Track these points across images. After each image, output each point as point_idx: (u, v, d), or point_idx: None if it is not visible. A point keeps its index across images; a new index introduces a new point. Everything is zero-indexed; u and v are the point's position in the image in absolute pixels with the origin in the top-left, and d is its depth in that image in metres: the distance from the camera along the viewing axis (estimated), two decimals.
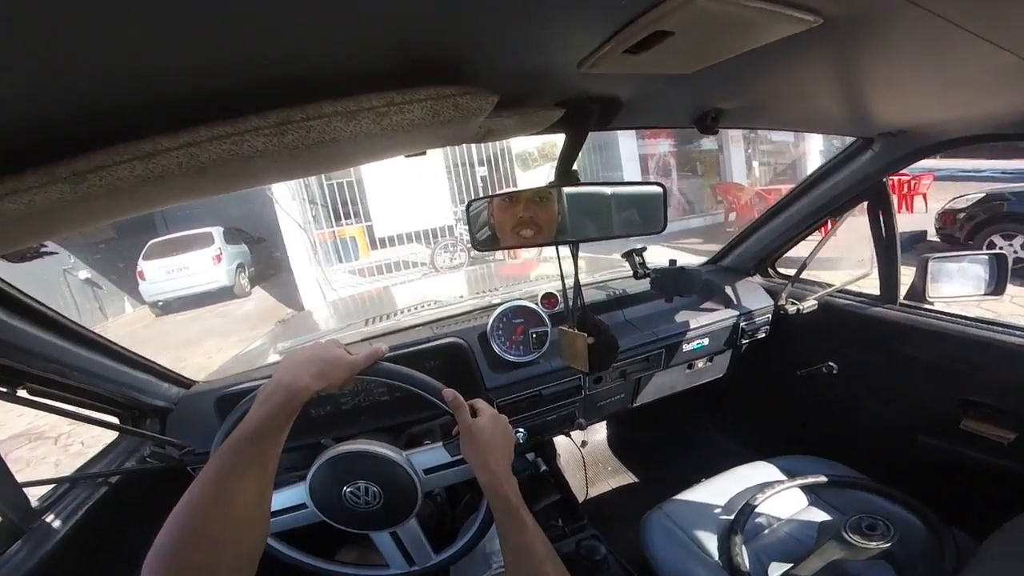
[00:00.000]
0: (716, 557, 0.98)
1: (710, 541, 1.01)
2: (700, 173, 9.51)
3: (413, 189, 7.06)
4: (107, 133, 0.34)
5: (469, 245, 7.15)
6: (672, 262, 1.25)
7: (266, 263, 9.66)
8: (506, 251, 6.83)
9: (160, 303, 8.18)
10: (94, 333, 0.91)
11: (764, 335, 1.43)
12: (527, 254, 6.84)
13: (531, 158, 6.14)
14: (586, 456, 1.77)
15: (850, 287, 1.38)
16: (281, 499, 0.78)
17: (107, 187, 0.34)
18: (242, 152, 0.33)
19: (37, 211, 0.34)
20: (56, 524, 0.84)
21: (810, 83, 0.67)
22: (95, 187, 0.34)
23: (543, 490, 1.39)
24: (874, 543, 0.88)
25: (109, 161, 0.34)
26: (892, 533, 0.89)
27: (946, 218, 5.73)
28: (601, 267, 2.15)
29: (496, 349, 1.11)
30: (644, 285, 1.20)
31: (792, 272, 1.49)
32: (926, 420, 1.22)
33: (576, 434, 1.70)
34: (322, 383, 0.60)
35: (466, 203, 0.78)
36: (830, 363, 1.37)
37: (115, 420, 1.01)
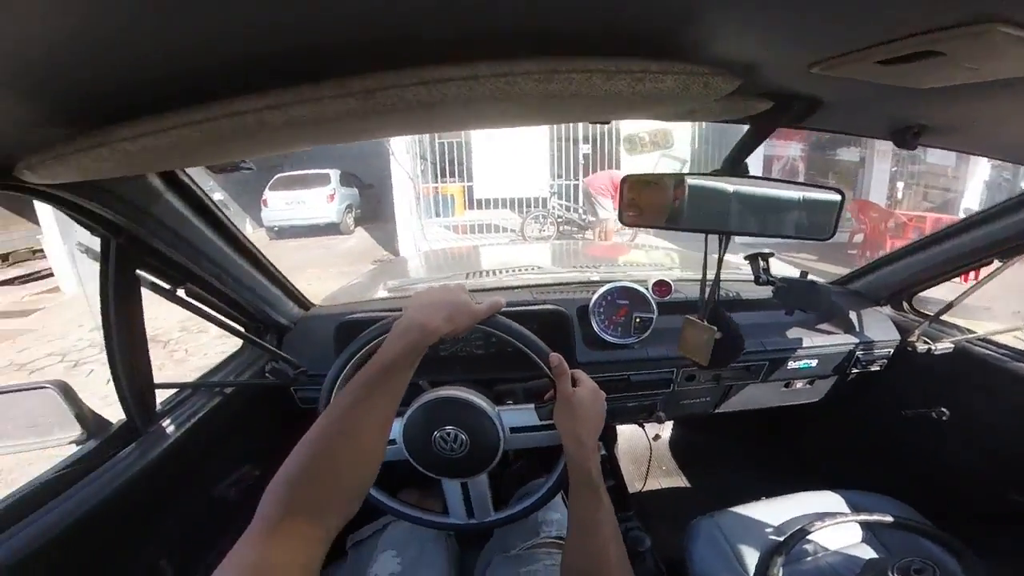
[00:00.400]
0: (751, 574, 0.94)
1: (751, 558, 0.97)
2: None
3: (515, 157, 7.17)
4: (317, 70, 0.36)
5: (559, 219, 7.22)
6: (803, 274, 1.19)
7: (371, 207, 10.41)
8: (598, 233, 6.78)
9: (275, 229, 9.19)
10: (251, 243, 0.99)
11: (879, 368, 1.31)
12: (618, 238, 6.73)
13: (640, 143, 5.87)
14: (637, 451, 1.76)
15: (994, 337, 1.21)
16: None
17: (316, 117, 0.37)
18: (505, 94, 0.36)
19: (244, 132, 0.38)
20: (170, 429, 0.87)
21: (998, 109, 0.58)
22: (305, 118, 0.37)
23: None
24: None
25: (319, 94, 0.36)
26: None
27: None
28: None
29: (594, 326, 1.12)
30: (761, 292, 1.14)
31: (929, 310, 1.33)
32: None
33: (649, 426, 1.68)
34: (450, 327, 0.62)
35: (621, 178, 0.78)
36: (942, 409, 1.23)
37: (242, 330, 1.06)
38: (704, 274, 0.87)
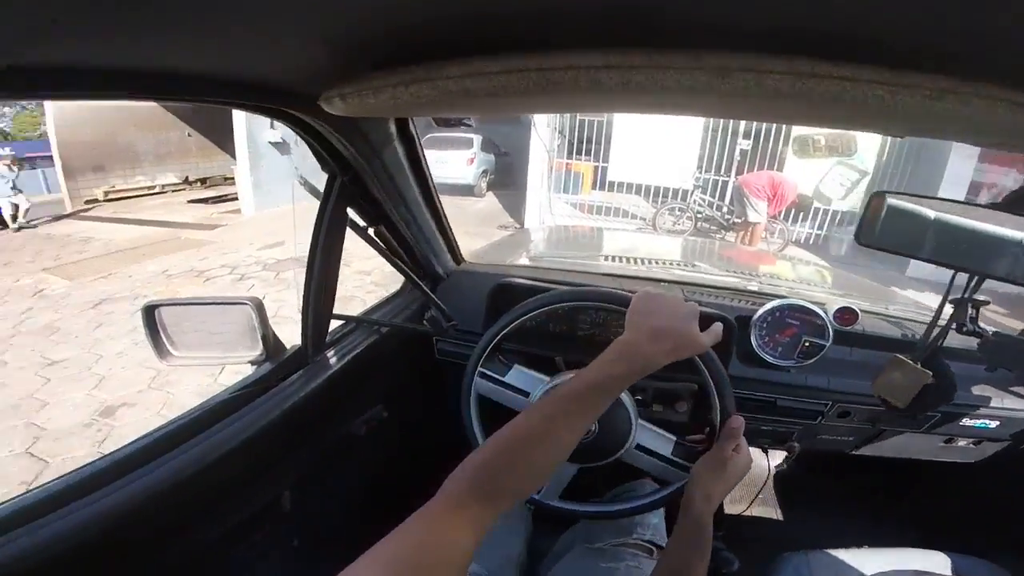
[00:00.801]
0: None
1: None
2: None
3: (661, 143, 6.74)
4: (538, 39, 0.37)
5: (698, 214, 6.74)
6: (1023, 332, 1.01)
7: (504, 175, 10.74)
8: (741, 236, 6.22)
9: None
10: (435, 188, 1.05)
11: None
12: (764, 245, 6.09)
13: (815, 146, 5.15)
14: (751, 473, 1.62)
15: None
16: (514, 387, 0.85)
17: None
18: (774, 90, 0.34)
19: (541, 88, 0.40)
20: (332, 360, 0.92)
21: None
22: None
23: None
24: None
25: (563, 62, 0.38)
26: None
27: None
28: (881, 298, 1.78)
29: (753, 341, 1.04)
30: (962, 341, 0.97)
31: None
32: None
33: (774, 454, 1.55)
34: (672, 359, 0.59)
35: (871, 192, 0.72)
36: None
37: (413, 275, 1.09)
38: (937, 315, 0.80)
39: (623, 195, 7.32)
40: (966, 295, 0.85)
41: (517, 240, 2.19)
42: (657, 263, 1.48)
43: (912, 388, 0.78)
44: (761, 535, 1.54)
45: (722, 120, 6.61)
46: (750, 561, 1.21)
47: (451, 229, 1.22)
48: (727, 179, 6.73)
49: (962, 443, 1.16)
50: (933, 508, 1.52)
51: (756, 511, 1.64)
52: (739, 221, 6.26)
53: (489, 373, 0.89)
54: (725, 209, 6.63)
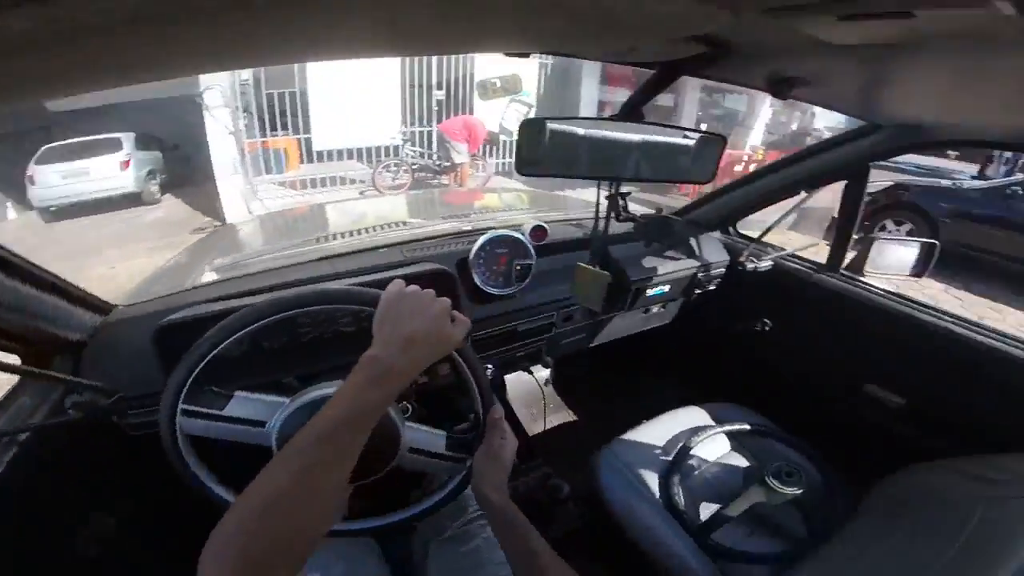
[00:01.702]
0: (657, 495, 1.05)
1: (652, 480, 1.08)
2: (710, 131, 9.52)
3: (361, 104, 6.62)
4: None
5: (413, 166, 6.99)
6: (659, 210, 1.33)
7: (181, 171, 8.62)
8: (454, 177, 6.76)
9: (52, 208, 7.23)
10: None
11: (714, 287, 1.50)
12: (473, 182, 6.84)
13: (492, 88, 5.78)
14: (528, 395, 1.84)
15: (800, 253, 1.48)
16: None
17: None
18: None
19: None
20: None
21: (858, 69, 0.67)
22: None
23: None
24: (790, 489, 0.95)
25: None
26: (803, 481, 0.97)
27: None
28: (563, 206, 2.13)
29: (476, 279, 1.07)
30: (620, 227, 1.22)
31: (751, 233, 1.58)
32: (836, 380, 1.39)
33: (537, 370, 1.75)
34: (428, 363, 0.55)
35: (520, 123, 0.75)
36: (765, 320, 1.51)
37: (15, 360, 0.78)
38: (596, 222, 0.89)
39: (337, 163, 6.96)
40: (613, 190, 0.99)
41: (200, 249, 1.73)
42: (372, 230, 1.38)
43: (600, 291, 0.91)
44: (568, 443, 1.73)
45: (416, 74, 6.86)
46: (568, 469, 1.34)
47: (60, 279, 0.83)
48: (430, 128, 7.16)
49: (655, 310, 1.48)
50: (669, 371, 1.94)
51: (552, 423, 1.85)
52: (448, 164, 6.90)
53: (200, 410, 0.67)
54: (435, 156, 7.11)
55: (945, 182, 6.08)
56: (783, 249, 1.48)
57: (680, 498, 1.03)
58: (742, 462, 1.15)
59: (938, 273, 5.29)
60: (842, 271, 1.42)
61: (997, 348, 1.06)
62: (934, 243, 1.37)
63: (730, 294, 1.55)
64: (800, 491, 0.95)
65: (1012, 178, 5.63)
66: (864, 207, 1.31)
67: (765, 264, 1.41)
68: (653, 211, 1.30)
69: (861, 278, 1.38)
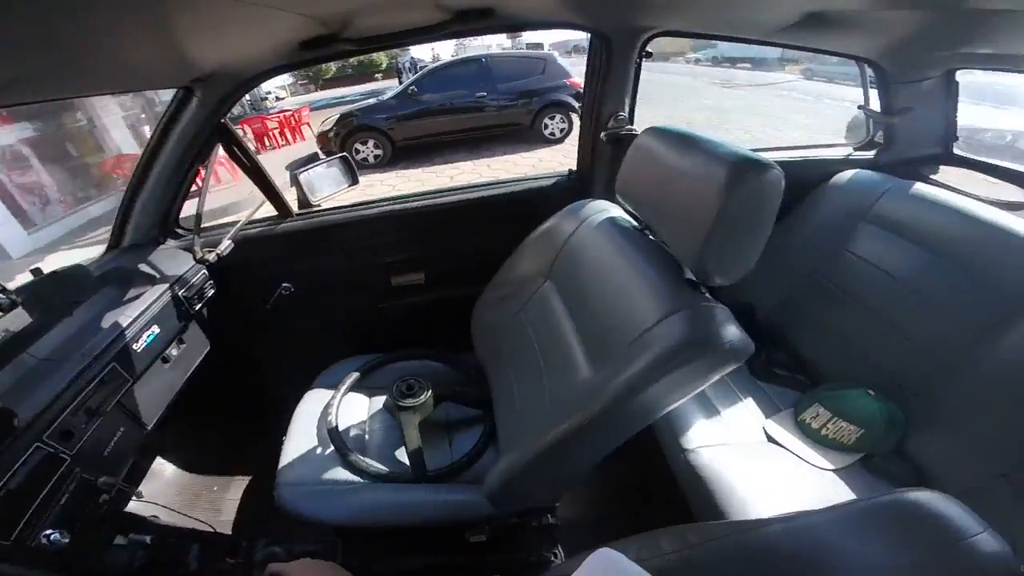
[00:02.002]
0: (362, 479, 1.02)
1: (343, 474, 1.03)
2: (79, 154, 7.58)
3: None
4: None
5: None
6: (36, 271, 0.96)
7: None
8: None
9: None
10: None
11: (214, 291, 1.37)
12: None
13: None
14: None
15: (255, 217, 1.49)
16: None
17: None
18: None
19: None
20: None
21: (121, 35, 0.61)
22: None
23: None
24: (424, 395, 1.11)
25: None
26: (425, 386, 1.14)
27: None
28: None
29: None
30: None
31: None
32: (372, 290, 1.60)
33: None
34: None
35: None
36: (285, 284, 1.52)
37: None
38: None
39: None
40: None
41: None
42: None
43: None
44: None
45: None
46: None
47: None
48: None
49: (175, 353, 1.23)
50: (259, 376, 1.70)
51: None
52: None
53: None
54: None
55: (372, 100, 7.55)
56: (235, 224, 1.45)
57: (379, 465, 1.06)
58: (377, 399, 1.25)
59: (404, 163, 6.98)
60: (298, 213, 1.53)
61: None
62: (345, 156, 1.64)
63: (233, 286, 1.46)
64: (428, 390, 1.12)
65: (402, 84, 7.58)
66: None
67: (225, 245, 1.35)
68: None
69: (316, 207, 1.54)
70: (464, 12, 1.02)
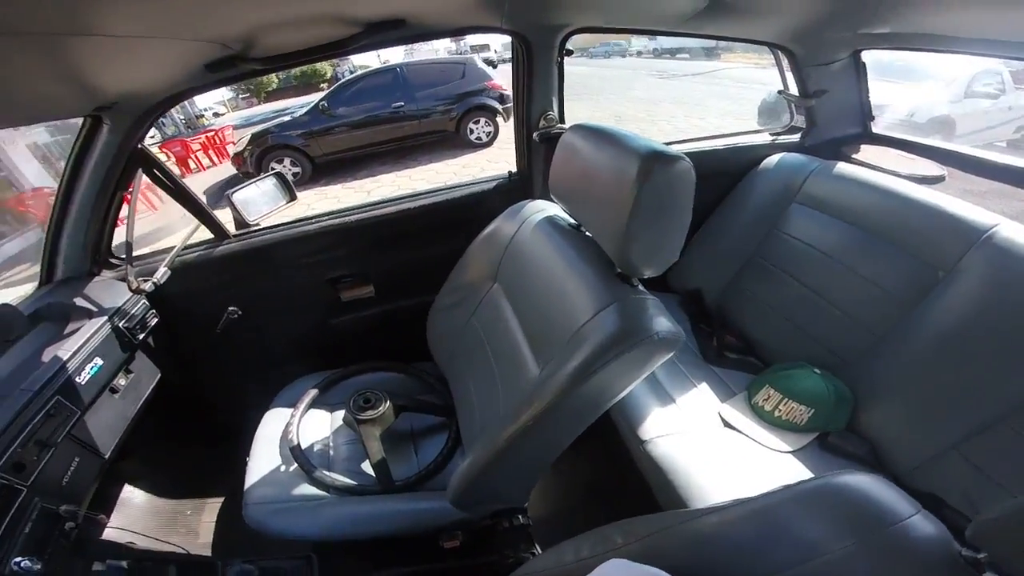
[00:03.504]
0: (330, 494, 1.02)
1: (309, 490, 1.03)
2: None
3: None
4: None
5: None
6: None
7: None
8: None
9: None
10: None
11: (158, 319, 1.31)
12: None
13: None
14: None
15: (192, 241, 1.42)
16: None
17: None
18: None
19: None
20: None
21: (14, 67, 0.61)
22: None
23: None
24: (382, 407, 1.10)
25: None
26: (382, 397, 1.12)
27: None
28: None
29: None
30: None
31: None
32: (322, 307, 1.55)
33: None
34: None
35: None
36: (232, 308, 1.46)
37: None
38: None
39: None
40: None
41: None
42: None
43: None
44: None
45: None
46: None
47: None
48: None
49: (123, 383, 1.20)
50: (209, 402, 1.63)
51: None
52: None
53: None
54: None
55: (285, 117, 7.37)
56: (171, 249, 1.38)
57: (345, 479, 1.07)
58: (337, 414, 1.24)
59: (326, 180, 6.83)
60: (235, 234, 1.47)
61: None
62: (279, 172, 1.58)
63: (178, 314, 1.40)
64: (387, 402, 1.11)
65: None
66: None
67: (162, 272, 1.28)
68: None
69: (254, 226, 1.48)
70: (374, 24, 1.01)
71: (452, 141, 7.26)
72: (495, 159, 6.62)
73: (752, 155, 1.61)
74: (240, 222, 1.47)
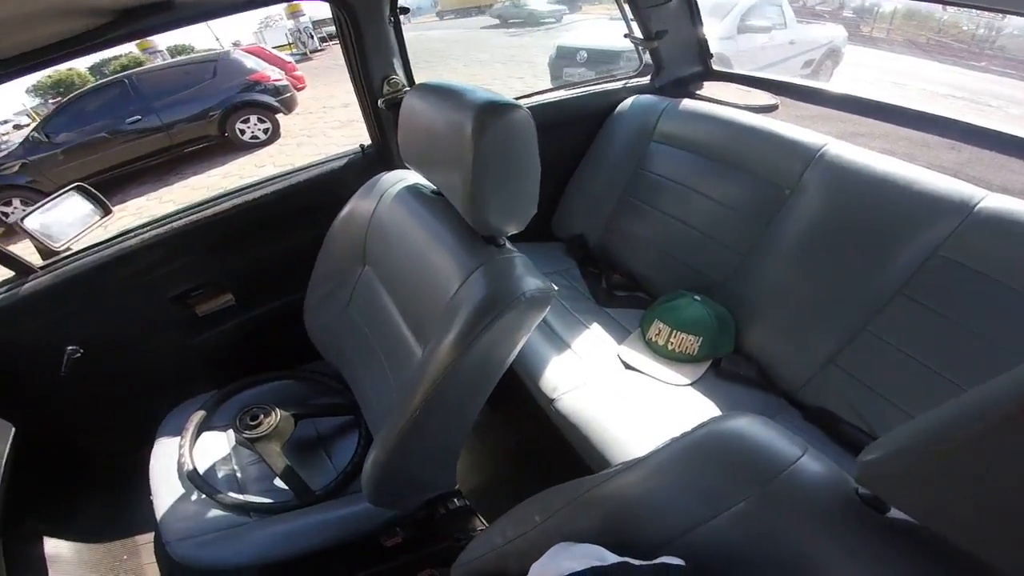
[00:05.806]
0: (250, 516, 0.95)
1: (227, 516, 0.95)
2: None
3: None
4: None
5: None
6: None
7: None
8: None
9: None
10: None
11: None
12: None
13: None
14: None
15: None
16: None
17: None
18: None
19: None
20: None
21: None
22: None
23: None
24: (271, 420, 1.02)
25: None
26: (270, 410, 1.03)
27: None
28: None
29: None
30: None
31: None
32: (177, 327, 1.35)
33: None
34: None
35: None
36: (70, 347, 1.22)
37: None
38: None
39: None
40: None
41: None
42: None
43: None
44: None
45: None
46: None
47: None
48: None
49: None
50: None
51: None
52: None
53: None
54: None
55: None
56: None
57: (256, 497, 0.99)
58: (228, 434, 1.13)
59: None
60: (43, 265, 1.21)
61: None
62: (81, 185, 1.30)
63: (10, 361, 1.18)
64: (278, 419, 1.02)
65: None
66: None
67: None
68: None
69: (65, 252, 1.22)
70: (131, 11, 0.85)
71: (228, 146, 6.40)
72: (277, 156, 6.03)
73: (610, 99, 1.65)
74: (46, 251, 1.21)
